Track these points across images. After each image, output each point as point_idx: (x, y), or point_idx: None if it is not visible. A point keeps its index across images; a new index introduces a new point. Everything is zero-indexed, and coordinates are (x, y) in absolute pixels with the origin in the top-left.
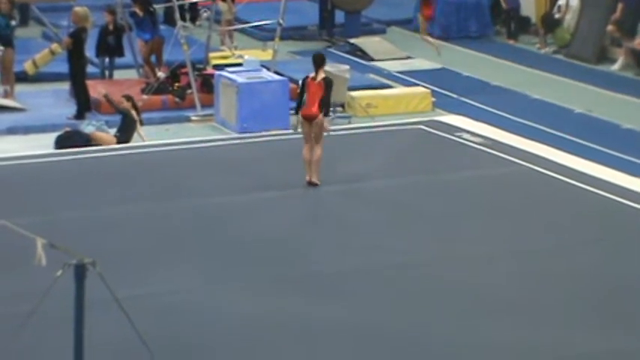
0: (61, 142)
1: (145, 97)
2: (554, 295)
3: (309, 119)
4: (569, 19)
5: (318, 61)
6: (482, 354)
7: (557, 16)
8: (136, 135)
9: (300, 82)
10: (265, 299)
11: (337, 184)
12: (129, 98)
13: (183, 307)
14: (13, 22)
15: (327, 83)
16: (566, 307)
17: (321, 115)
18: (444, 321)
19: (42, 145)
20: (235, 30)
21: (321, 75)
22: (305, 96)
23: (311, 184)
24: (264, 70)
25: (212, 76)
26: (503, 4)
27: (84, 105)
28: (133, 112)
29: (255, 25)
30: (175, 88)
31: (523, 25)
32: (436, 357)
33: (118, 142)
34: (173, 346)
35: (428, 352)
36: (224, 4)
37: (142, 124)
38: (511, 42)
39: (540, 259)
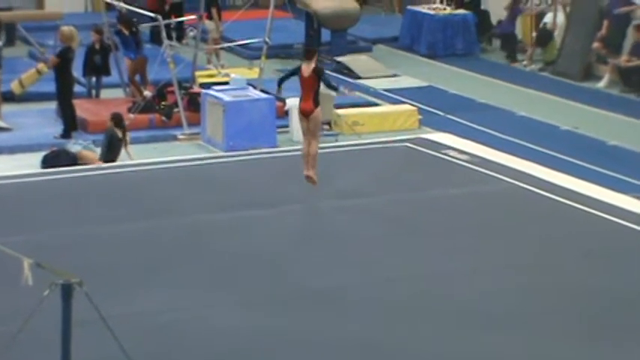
0: (47, 162)
1: (131, 116)
2: (544, 310)
3: (305, 114)
4: (556, 36)
5: (310, 53)
6: None
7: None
8: (123, 153)
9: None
10: (256, 317)
11: (325, 201)
12: (115, 117)
13: (172, 326)
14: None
15: (319, 73)
16: (556, 322)
17: (317, 110)
18: (436, 336)
19: (28, 164)
20: (222, 49)
21: (312, 65)
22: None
23: (308, 178)
24: (251, 88)
25: (199, 94)
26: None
27: (70, 124)
28: (118, 132)
29: (242, 44)
30: (162, 106)
31: (513, 43)
32: None
33: (104, 162)
34: None
35: None
36: (210, 23)
37: (126, 144)
38: (515, 64)
39: (529, 274)
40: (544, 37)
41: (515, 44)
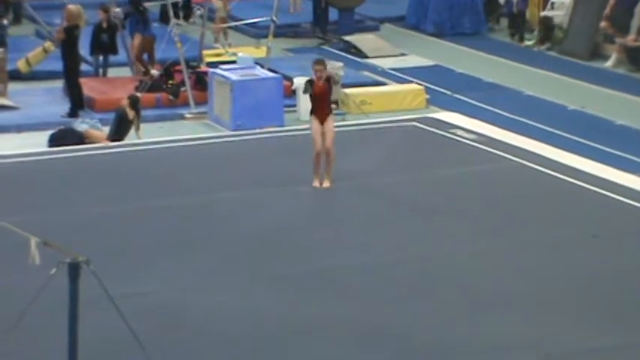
0: (54, 141)
1: (139, 94)
2: (551, 291)
3: (322, 120)
4: (563, 16)
5: (320, 63)
6: (482, 350)
7: (551, 14)
8: (132, 133)
9: (305, 83)
10: (262, 296)
11: (333, 181)
12: (132, 98)
13: (179, 305)
14: (5, 22)
15: (330, 80)
16: (563, 303)
17: (330, 116)
18: (442, 317)
19: (35, 143)
20: (229, 27)
21: (324, 74)
22: (312, 105)
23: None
24: (258, 67)
25: (206, 73)
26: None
27: (77, 103)
28: (130, 113)
29: (249, 23)
30: (169, 85)
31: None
32: (435, 352)
33: (111, 141)
34: (168, 344)
35: (427, 348)
36: (218, 2)
37: (138, 127)
38: (522, 44)
39: (536, 255)
40: (545, 26)
41: (523, 24)
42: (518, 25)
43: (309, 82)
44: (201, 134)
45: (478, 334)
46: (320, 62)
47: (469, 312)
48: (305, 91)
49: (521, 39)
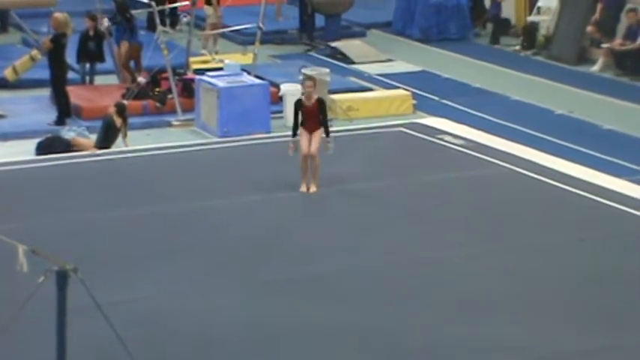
0: (42, 149)
1: (126, 102)
2: (540, 294)
3: (310, 131)
4: (549, 21)
5: (312, 80)
6: (472, 353)
7: (537, 19)
8: (119, 140)
9: (294, 105)
10: (252, 303)
11: (321, 187)
12: (119, 106)
13: (168, 313)
14: None
15: (321, 104)
16: (552, 306)
17: (322, 134)
18: (432, 320)
19: (23, 151)
20: (218, 34)
21: (314, 97)
22: (301, 119)
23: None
24: (245, 74)
25: (192, 80)
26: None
27: (65, 111)
28: (117, 121)
29: (236, 30)
30: (156, 93)
31: (503, 27)
32: (426, 355)
33: (99, 149)
34: (158, 351)
35: (417, 352)
36: (209, 8)
37: (125, 135)
38: (495, 47)
39: (525, 258)
40: (529, 32)
41: (498, 26)
42: (495, 28)
43: (298, 103)
44: (189, 141)
45: (469, 336)
46: (310, 78)
47: (459, 315)
48: (295, 115)
49: (495, 41)
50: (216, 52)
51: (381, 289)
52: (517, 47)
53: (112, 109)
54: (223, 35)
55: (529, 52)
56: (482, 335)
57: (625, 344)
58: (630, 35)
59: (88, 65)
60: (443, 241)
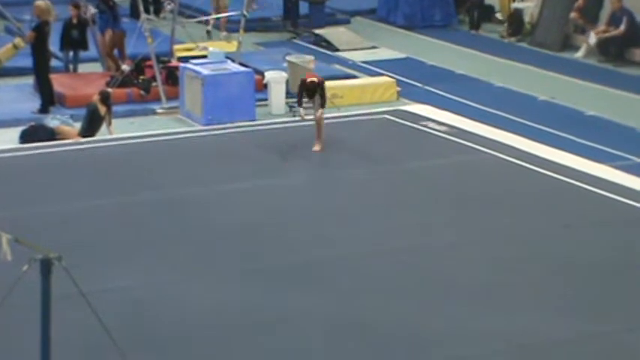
0: (25, 137)
1: (110, 90)
2: (524, 282)
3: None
4: (533, 7)
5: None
6: (456, 341)
7: (521, 6)
8: (103, 128)
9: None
10: (237, 290)
11: (304, 174)
12: (103, 93)
13: (152, 301)
14: None
15: (321, 83)
16: (537, 293)
17: (320, 111)
18: (418, 309)
19: (6, 139)
20: (198, 22)
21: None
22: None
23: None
24: (229, 61)
25: (177, 68)
26: None
27: (48, 99)
28: (101, 109)
29: (219, 17)
30: (140, 80)
31: (487, 13)
32: (408, 343)
33: (83, 137)
34: (142, 340)
35: (401, 340)
36: None
37: (110, 122)
38: (473, 32)
39: (509, 245)
40: (516, 20)
41: (480, 12)
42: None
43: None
44: (173, 129)
45: (451, 324)
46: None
47: (442, 303)
48: (299, 92)
49: (476, 27)
50: (206, 38)
51: (363, 278)
52: (504, 33)
53: (96, 97)
54: (207, 23)
55: (513, 39)
56: (464, 323)
57: (607, 332)
58: (614, 21)
59: (71, 53)
60: (427, 228)
